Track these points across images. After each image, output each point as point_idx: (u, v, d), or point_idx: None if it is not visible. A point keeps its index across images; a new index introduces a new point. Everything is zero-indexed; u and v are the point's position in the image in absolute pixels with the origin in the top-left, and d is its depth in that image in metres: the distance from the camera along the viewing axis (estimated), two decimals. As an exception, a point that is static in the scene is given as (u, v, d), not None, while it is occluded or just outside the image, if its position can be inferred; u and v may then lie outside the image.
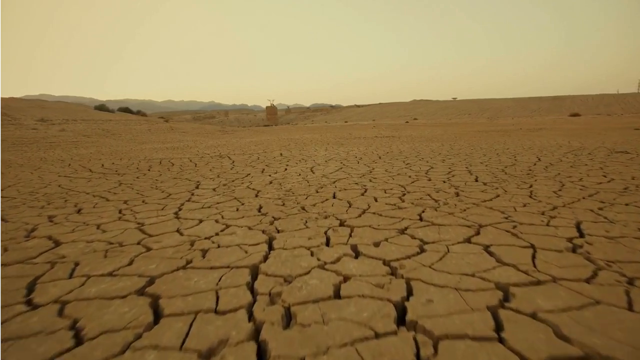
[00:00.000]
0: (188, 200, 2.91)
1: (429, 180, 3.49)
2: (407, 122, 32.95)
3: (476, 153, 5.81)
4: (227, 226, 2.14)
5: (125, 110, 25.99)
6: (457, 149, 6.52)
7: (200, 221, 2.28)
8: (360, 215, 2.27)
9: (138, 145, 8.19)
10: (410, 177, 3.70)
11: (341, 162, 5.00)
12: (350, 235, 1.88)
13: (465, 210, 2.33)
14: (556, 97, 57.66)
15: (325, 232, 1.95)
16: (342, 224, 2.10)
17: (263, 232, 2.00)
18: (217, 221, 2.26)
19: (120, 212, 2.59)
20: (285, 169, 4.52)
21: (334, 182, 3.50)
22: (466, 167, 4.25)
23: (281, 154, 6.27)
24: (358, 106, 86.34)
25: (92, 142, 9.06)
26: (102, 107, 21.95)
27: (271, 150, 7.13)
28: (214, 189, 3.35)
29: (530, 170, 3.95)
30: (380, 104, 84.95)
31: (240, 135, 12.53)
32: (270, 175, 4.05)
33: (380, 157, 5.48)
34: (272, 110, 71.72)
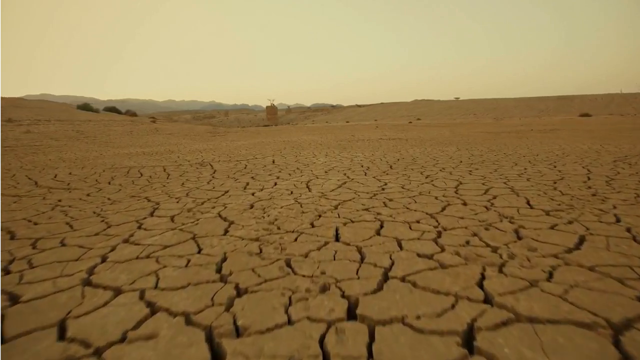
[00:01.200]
0: (126, 241, 2.01)
1: (465, 204, 2.58)
2: (410, 122, 31.97)
3: (504, 161, 4.90)
4: (153, 311, 1.24)
5: (112, 109, 24.84)
6: (478, 155, 5.61)
7: (117, 293, 1.38)
8: (380, 288, 1.36)
9: (111, 149, 7.24)
10: (437, 198, 2.79)
11: (344, 174, 4.09)
12: (370, 355, 0.97)
13: (551, 273, 1.42)
14: (563, 96, 56.30)
15: (322, 339, 1.04)
16: (351, 314, 1.19)
17: (209, 334, 1.09)
18: (142, 296, 1.36)
19: (8, 266, 1.69)
20: (275, 184, 3.62)
21: (337, 207, 2.60)
22: (504, 183, 3.34)
23: (273, 161, 5.36)
24: (359, 106, 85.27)
25: (58, 146, 8.08)
26: (85, 107, 20.88)
27: (263, 155, 6.22)
28: (171, 218, 2.45)
29: (590, 188, 3.04)
30: (381, 103, 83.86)
31: (232, 137, 11.58)
32: (253, 194, 3.14)
33: (391, 167, 4.57)
34: (272, 110, 70.68)
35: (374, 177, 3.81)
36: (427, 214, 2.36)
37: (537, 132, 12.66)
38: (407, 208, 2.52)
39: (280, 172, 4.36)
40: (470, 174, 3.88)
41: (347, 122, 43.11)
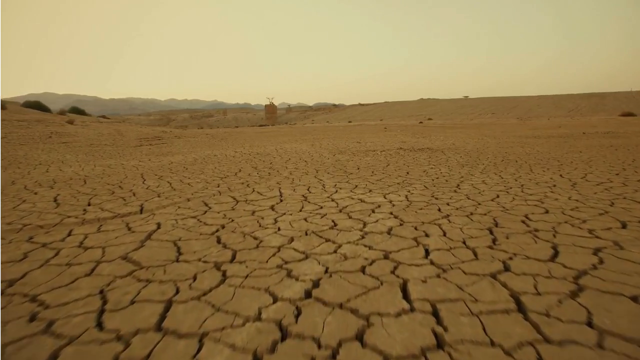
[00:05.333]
0: None
1: None
2: (421, 122, 28.54)
3: None
4: None
5: (34, 106, 20.84)
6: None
7: None
8: None
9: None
10: None
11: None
12: None
13: None
14: (592, 94, 51.53)
15: None
16: None
17: None
18: None
19: None
20: None
21: None
22: None
23: (126, 258, 2.04)
24: (362, 105, 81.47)
25: None
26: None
27: (154, 208, 2.88)
28: None
29: None
30: (386, 102, 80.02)
31: (175, 146, 8.05)
32: None
33: (517, 299, 1.24)
34: (271, 109, 67.09)
35: None
36: None
37: (596, 136, 9.31)
38: None
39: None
40: None
41: (350, 122, 39.73)
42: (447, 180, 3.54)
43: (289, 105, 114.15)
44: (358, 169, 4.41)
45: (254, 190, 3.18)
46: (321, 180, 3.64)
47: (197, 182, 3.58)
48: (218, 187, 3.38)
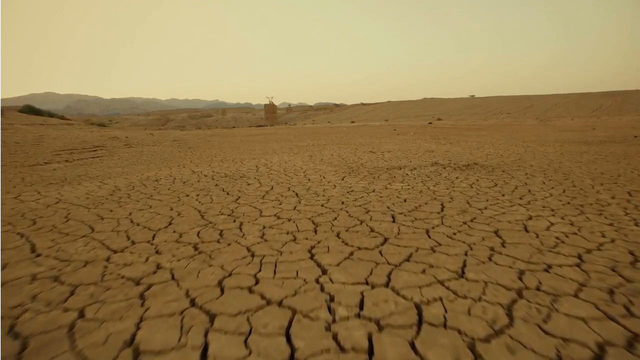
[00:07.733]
0: None
1: None
2: (431, 123, 26.42)
3: None
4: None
5: None
6: None
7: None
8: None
9: None
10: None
11: None
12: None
13: None
14: (615, 92, 48.36)
15: None
16: None
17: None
18: None
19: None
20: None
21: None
22: None
23: None
24: (365, 104, 79.00)
25: None
26: None
27: None
28: None
29: None
30: (389, 102, 77.49)
31: (107, 163, 5.49)
32: None
33: None
34: (270, 108, 64.73)
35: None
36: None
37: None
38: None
39: None
40: None
41: (353, 122, 37.58)
42: (619, 281, 1.49)
43: (289, 105, 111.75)
44: (392, 219, 2.36)
45: (139, 336, 1.14)
46: (324, 272, 1.58)
47: (33, 281, 1.53)
48: (63, 304, 1.33)
